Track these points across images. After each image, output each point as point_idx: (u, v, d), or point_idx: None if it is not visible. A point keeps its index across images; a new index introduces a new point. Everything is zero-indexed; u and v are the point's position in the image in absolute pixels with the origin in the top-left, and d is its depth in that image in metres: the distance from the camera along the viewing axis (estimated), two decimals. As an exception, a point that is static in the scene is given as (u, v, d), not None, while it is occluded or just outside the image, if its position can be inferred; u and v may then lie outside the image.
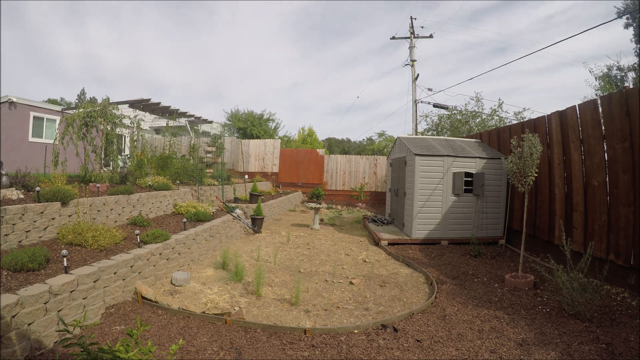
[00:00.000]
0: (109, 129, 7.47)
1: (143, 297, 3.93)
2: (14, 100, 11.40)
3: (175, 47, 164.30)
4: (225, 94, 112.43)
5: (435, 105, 16.24)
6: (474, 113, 15.99)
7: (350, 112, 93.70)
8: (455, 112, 16.21)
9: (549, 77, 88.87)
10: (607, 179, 4.95)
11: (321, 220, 11.03)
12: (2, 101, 11.18)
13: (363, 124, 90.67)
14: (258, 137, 23.54)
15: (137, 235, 4.79)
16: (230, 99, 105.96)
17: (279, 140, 18.49)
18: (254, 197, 10.00)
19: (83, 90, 45.07)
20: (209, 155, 13.63)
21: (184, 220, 6.21)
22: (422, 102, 16.31)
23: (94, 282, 3.50)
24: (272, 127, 26.00)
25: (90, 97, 42.26)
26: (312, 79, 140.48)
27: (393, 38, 17.19)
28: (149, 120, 12.27)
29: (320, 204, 9.39)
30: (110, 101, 7.96)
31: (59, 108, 13.47)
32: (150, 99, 9.31)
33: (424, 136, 10.55)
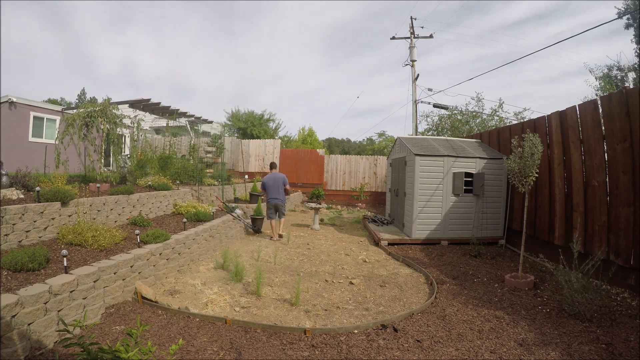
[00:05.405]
0: (109, 128, 7.48)
1: (143, 297, 3.93)
2: (14, 100, 11.41)
3: (211, 54, 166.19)
4: (251, 98, 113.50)
5: (435, 106, 16.24)
6: (474, 113, 15.99)
7: (363, 115, 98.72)
8: (455, 112, 16.21)
9: (554, 86, 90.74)
10: (607, 179, 4.95)
11: (321, 220, 11.03)
12: (2, 101, 11.19)
13: (375, 127, 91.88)
14: (258, 137, 23.55)
15: (137, 235, 4.79)
16: (255, 103, 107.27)
17: (279, 141, 18.50)
18: (254, 197, 10.00)
19: (83, 90, 45.15)
20: (209, 155, 13.61)
21: (184, 220, 6.21)
22: (422, 102, 16.33)
23: (94, 282, 3.50)
24: (273, 128, 26.03)
25: (90, 97, 42.30)
26: (335, 85, 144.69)
27: (393, 38, 17.21)
28: (149, 120, 12.27)
29: (320, 204, 9.39)
30: (111, 101, 7.96)
31: (59, 108, 13.49)
32: (150, 99, 9.30)
33: (424, 136, 10.56)
